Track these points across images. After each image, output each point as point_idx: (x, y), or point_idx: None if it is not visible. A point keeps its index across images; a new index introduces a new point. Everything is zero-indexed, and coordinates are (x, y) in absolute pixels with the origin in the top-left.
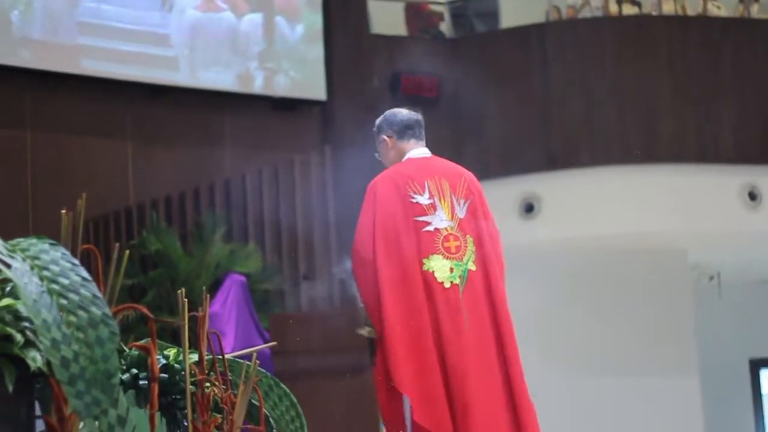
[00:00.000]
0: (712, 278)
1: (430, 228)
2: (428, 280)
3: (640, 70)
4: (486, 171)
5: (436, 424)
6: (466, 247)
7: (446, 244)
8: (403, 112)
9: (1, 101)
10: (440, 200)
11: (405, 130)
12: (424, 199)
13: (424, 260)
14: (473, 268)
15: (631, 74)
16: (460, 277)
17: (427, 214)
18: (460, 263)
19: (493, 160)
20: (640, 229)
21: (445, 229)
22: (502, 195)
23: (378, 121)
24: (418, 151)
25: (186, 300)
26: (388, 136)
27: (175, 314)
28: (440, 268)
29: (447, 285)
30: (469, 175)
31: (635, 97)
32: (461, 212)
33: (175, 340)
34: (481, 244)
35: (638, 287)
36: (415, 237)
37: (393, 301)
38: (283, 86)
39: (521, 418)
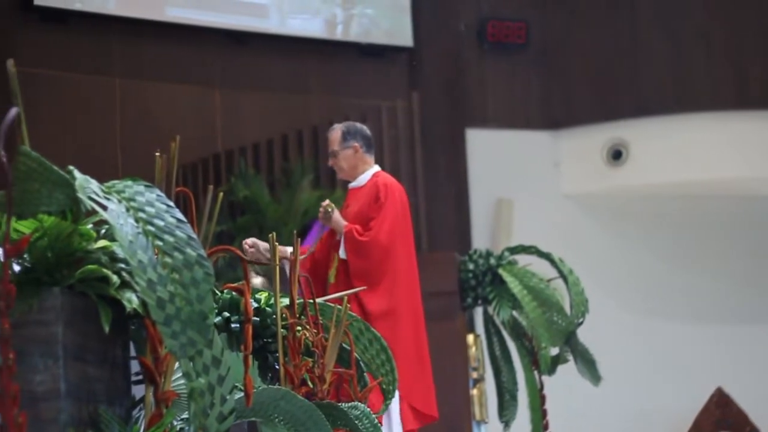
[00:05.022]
0: None
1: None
2: None
3: (729, 15)
4: (574, 117)
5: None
6: None
7: None
8: (366, 128)
9: (89, 49)
10: None
11: (370, 145)
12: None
13: None
14: None
15: (721, 18)
16: None
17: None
18: None
19: (581, 106)
20: (728, 175)
21: None
22: (590, 141)
23: (345, 127)
24: (377, 166)
25: (276, 243)
26: (359, 145)
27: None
28: None
29: None
30: None
31: (725, 42)
32: None
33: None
34: None
35: (726, 234)
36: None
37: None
38: (370, 33)
39: None
